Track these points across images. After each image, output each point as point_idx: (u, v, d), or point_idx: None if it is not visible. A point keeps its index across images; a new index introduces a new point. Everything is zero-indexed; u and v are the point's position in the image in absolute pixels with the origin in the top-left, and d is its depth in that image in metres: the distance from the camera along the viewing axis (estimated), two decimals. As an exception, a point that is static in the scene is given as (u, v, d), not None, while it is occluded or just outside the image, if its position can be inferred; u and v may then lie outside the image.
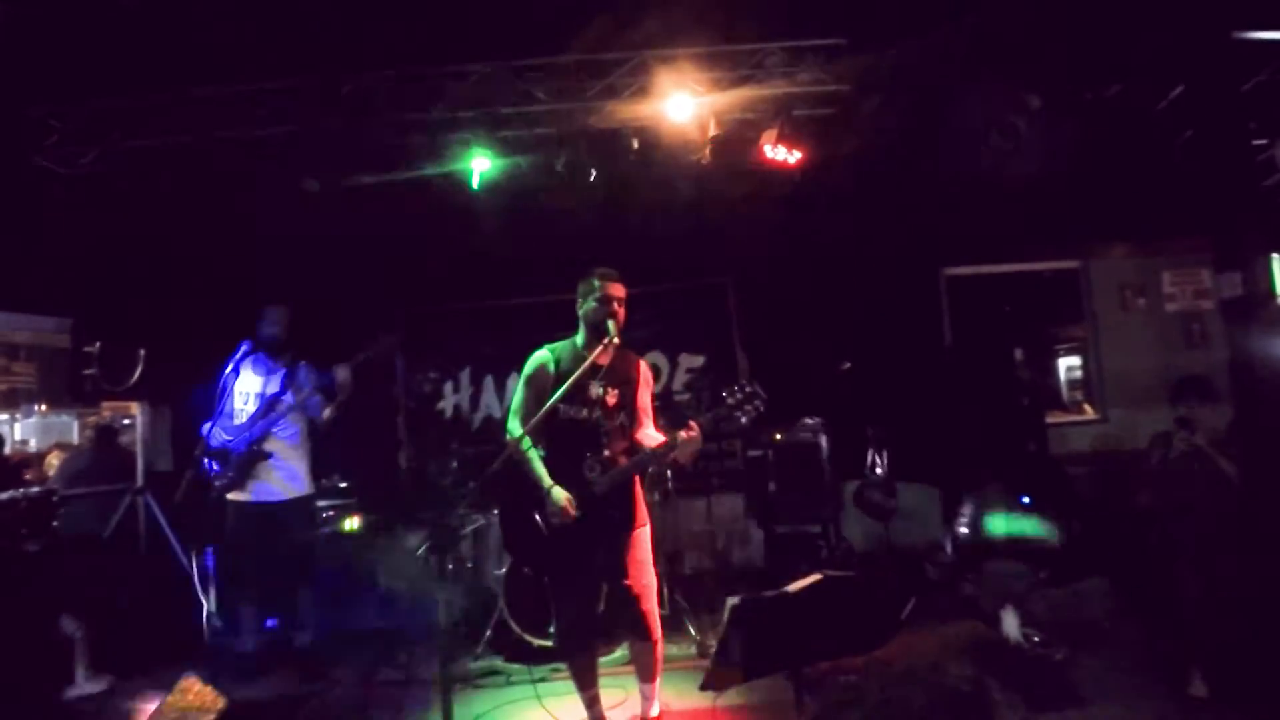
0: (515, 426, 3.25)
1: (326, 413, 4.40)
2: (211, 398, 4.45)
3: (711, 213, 6.27)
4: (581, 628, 3.24)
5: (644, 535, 3.27)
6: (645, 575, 3.21)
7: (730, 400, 3.00)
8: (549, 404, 3.04)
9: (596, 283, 3.28)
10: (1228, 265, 3.88)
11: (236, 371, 4.34)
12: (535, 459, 3.21)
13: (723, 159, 4.81)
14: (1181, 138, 4.89)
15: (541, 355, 3.35)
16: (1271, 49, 4.03)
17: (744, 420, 3.01)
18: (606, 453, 3.18)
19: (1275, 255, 4.22)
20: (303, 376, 4.45)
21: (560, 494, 3.12)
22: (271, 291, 4.80)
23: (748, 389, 2.99)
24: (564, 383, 3.07)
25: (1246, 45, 3.96)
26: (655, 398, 3.53)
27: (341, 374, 4.27)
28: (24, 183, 4.64)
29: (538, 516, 3.20)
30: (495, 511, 5.18)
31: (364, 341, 4.27)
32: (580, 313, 3.34)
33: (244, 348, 4.35)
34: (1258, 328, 3.69)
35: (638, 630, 3.21)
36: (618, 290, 3.28)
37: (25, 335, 6.32)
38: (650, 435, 3.31)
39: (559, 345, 3.37)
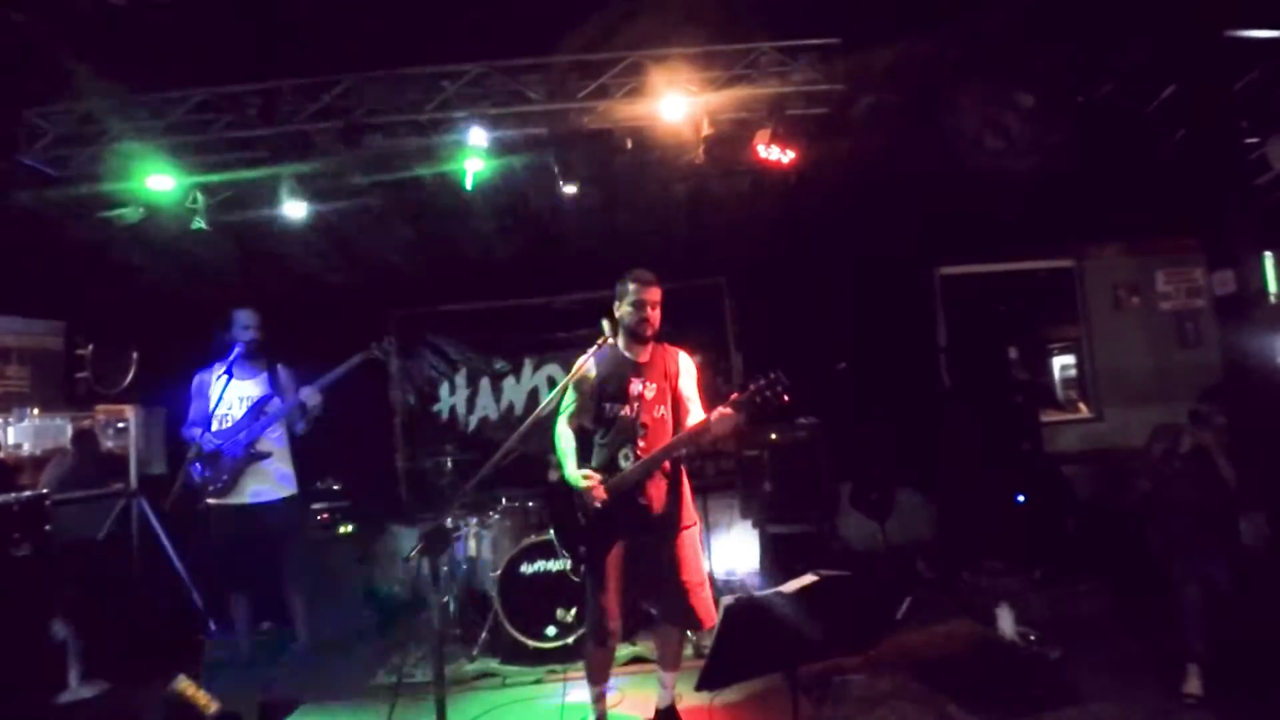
0: (561, 426, 3.42)
1: (301, 427, 4.50)
2: (188, 402, 4.47)
3: (705, 213, 6.27)
4: (604, 617, 3.31)
5: (694, 534, 3.41)
6: (698, 570, 3.35)
7: (754, 386, 3.08)
8: (551, 403, 3.19)
9: (631, 286, 3.41)
10: (1221, 263, 3.91)
11: (228, 375, 4.32)
12: (564, 455, 3.38)
13: (716, 159, 4.80)
14: (1174, 137, 4.90)
15: (586, 360, 3.43)
16: (1262, 47, 4.03)
17: (767, 408, 3.08)
18: (642, 444, 3.31)
19: (1268, 253, 4.24)
20: (284, 378, 4.50)
21: (580, 478, 3.26)
22: (268, 293, 4.79)
23: (772, 375, 3.08)
24: (607, 384, 3.33)
25: (1237, 44, 3.97)
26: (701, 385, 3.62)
27: (311, 400, 4.34)
28: (15, 184, 4.62)
29: (579, 511, 3.33)
30: (499, 506, 5.20)
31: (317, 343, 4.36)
32: (617, 315, 3.46)
33: (238, 350, 4.34)
34: (1251, 325, 3.70)
35: (689, 621, 3.34)
36: (652, 294, 3.42)
37: (18, 338, 6.29)
38: (698, 418, 3.39)
39: (603, 349, 3.45)
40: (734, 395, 3.12)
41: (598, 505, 3.23)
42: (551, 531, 3.66)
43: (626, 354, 3.40)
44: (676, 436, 3.31)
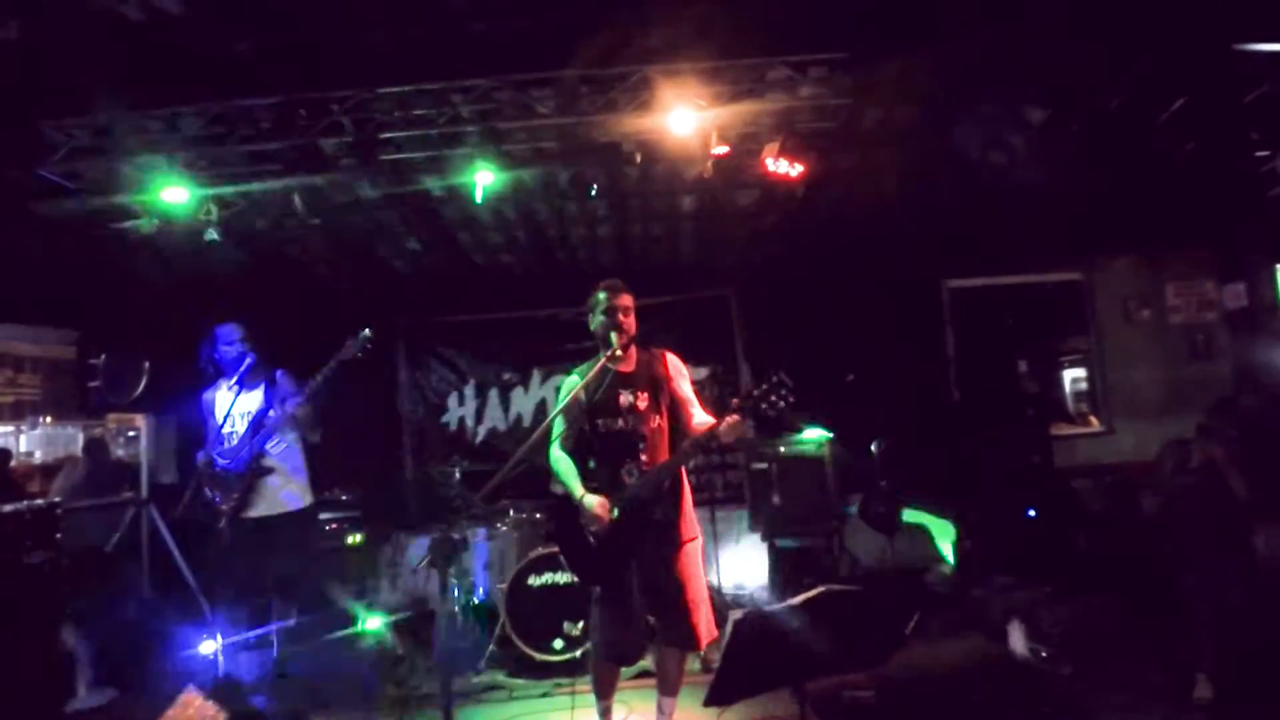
0: (555, 451, 3.29)
1: (314, 437, 4.39)
2: (200, 421, 4.44)
3: (714, 226, 6.29)
4: (621, 637, 3.21)
5: (695, 549, 3.27)
6: (700, 588, 3.23)
7: (757, 392, 3.01)
8: (554, 417, 3.13)
9: (601, 296, 3.31)
10: (1232, 276, 3.88)
11: (239, 388, 4.32)
12: (567, 474, 3.24)
13: (725, 172, 4.81)
14: (1184, 150, 4.89)
15: (570, 380, 3.37)
16: (1273, 61, 4.03)
17: (772, 412, 3.02)
18: (645, 457, 3.21)
19: (1279, 266, 4.22)
20: (284, 386, 4.37)
21: (591, 500, 3.14)
22: (279, 304, 4.81)
23: (774, 379, 3.00)
24: (596, 402, 3.19)
25: (1248, 57, 3.97)
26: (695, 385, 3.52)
27: (300, 411, 4.20)
28: (32, 195, 4.67)
29: (587, 531, 3.22)
30: (502, 521, 5.19)
31: (326, 355, 4.12)
32: (591, 329, 3.37)
33: (249, 361, 4.34)
34: (1262, 338, 3.67)
35: (688, 642, 3.22)
36: (624, 300, 3.30)
37: (31, 347, 6.35)
38: (704, 421, 3.27)
39: (584, 366, 3.37)
40: (736, 401, 3.05)
41: (602, 528, 3.12)
42: (559, 552, 3.56)
43: (609, 366, 3.24)
44: (684, 446, 3.22)
